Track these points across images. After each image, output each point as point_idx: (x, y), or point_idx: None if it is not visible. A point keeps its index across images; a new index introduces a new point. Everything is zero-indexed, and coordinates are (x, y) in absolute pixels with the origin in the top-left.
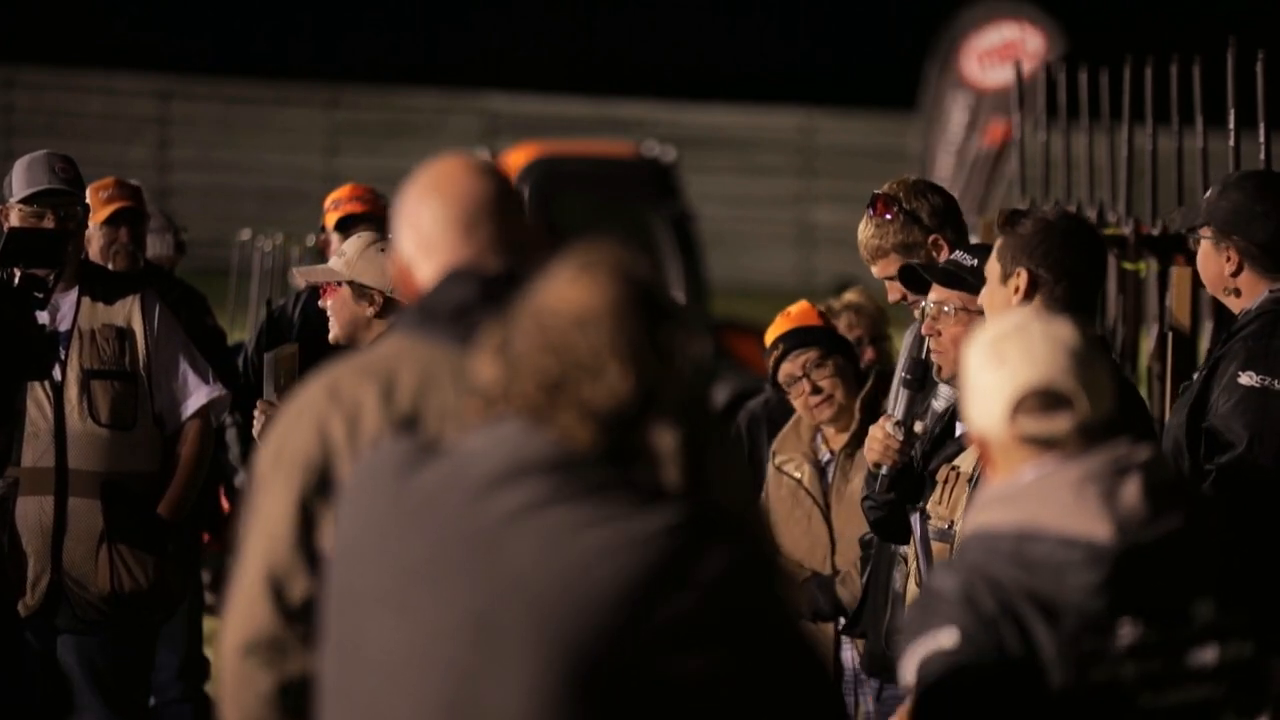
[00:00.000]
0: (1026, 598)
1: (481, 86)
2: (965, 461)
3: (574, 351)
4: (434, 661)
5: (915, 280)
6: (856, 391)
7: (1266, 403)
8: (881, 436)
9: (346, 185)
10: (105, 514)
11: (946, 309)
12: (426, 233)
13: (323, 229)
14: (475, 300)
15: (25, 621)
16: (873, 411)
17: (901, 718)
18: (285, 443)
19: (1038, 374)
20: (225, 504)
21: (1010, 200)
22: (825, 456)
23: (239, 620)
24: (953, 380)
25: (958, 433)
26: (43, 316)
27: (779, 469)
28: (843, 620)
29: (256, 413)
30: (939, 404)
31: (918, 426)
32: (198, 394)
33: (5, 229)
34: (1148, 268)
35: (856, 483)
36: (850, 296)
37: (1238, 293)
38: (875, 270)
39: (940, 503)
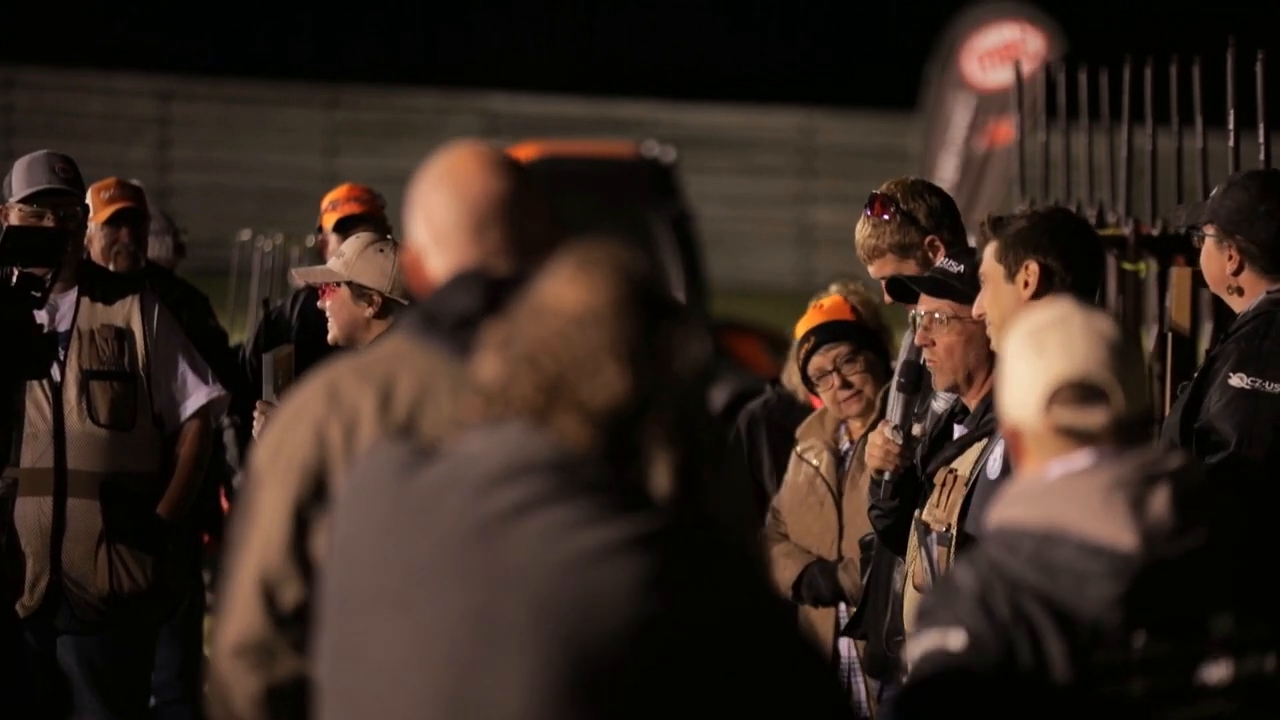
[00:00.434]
0: (1043, 604)
1: (481, 86)
2: (963, 464)
3: (572, 351)
4: (435, 660)
5: (903, 290)
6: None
7: (1257, 404)
8: (881, 443)
9: (344, 185)
10: (104, 514)
11: (938, 318)
12: (438, 225)
13: (320, 229)
14: (478, 311)
15: (25, 622)
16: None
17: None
18: (283, 443)
19: (1075, 365)
20: (225, 504)
21: (1010, 200)
22: (845, 446)
23: (230, 623)
24: (951, 388)
25: (955, 434)
26: (41, 316)
27: (800, 456)
28: (843, 606)
29: (256, 413)
30: (939, 405)
31: (916, 429)
32: (197, 394)
33: (4, 227)
34: (1148, 268)
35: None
36: (836, 289)
37: (1240, 292)
38: (872, 270)
39: (938, 506)
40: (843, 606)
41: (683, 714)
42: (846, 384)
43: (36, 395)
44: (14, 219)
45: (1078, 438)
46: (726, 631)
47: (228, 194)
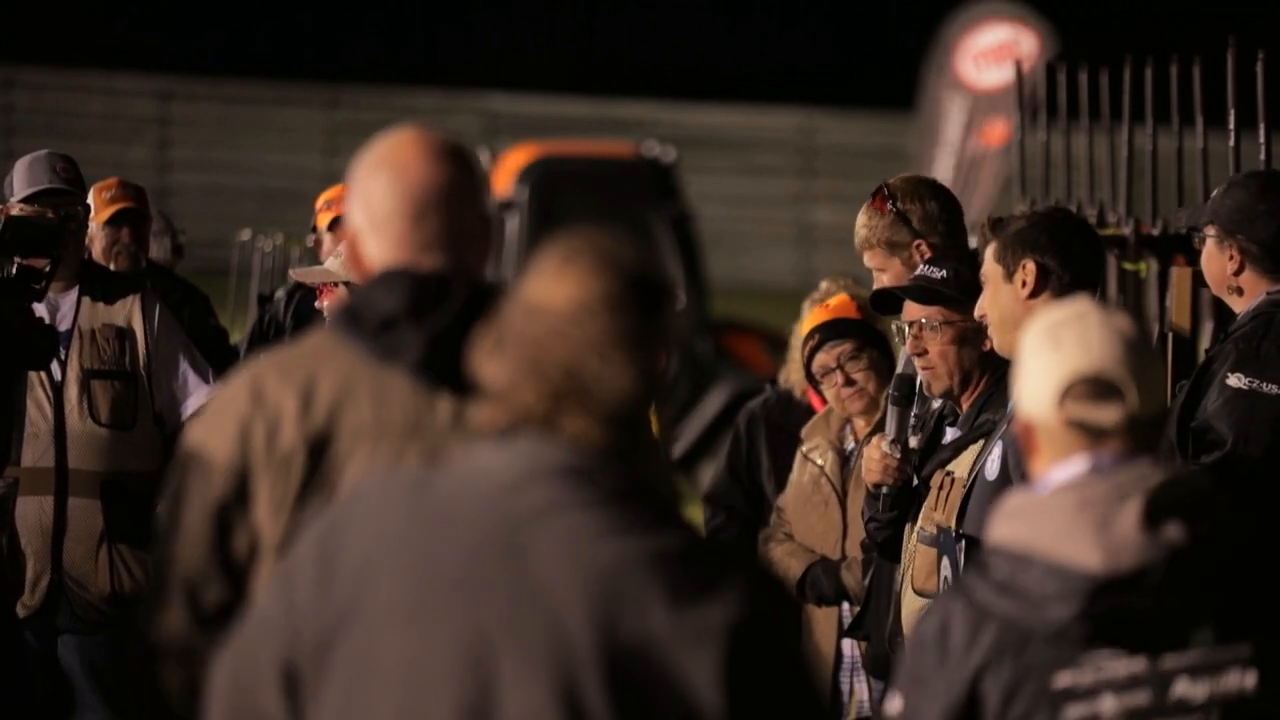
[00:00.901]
0: (1004, 631)
1: (481, 86)
2: (959, 466)
3: (573, 351)
4: (457, 670)
5: (888, 302)
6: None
7: (1254, 405)
8: (879, 457)
9: (338, 185)
10: (105, 514)
11: (928, 324)
12: (377, 211)
13: (314, 229)
14: (401, 313)
15: (26, 621)
16: None
17: None
18: (207, 440)
19: (1091, 361)
20: None
21: (1009, 200)
22: (851, 445)
23: (152, 622)
24: (946, 394)
25: (947, 438)
26: (41, 311)
27: (805, 456)
28: (846, 605)
29: None
30: (938, 404)
31: (913, 441)
32: (198, 394)
33: (3, 218)
34: (1148, 268)
35: None
36: (826, 285)
37: (1240, 292)
38: (865, 259)
39: (935, 509)
40: (846, 606)
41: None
42: (850, 381)
43: (38, 395)
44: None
45: (1090, 434)
46: (744, 641)
47: (228, 194)
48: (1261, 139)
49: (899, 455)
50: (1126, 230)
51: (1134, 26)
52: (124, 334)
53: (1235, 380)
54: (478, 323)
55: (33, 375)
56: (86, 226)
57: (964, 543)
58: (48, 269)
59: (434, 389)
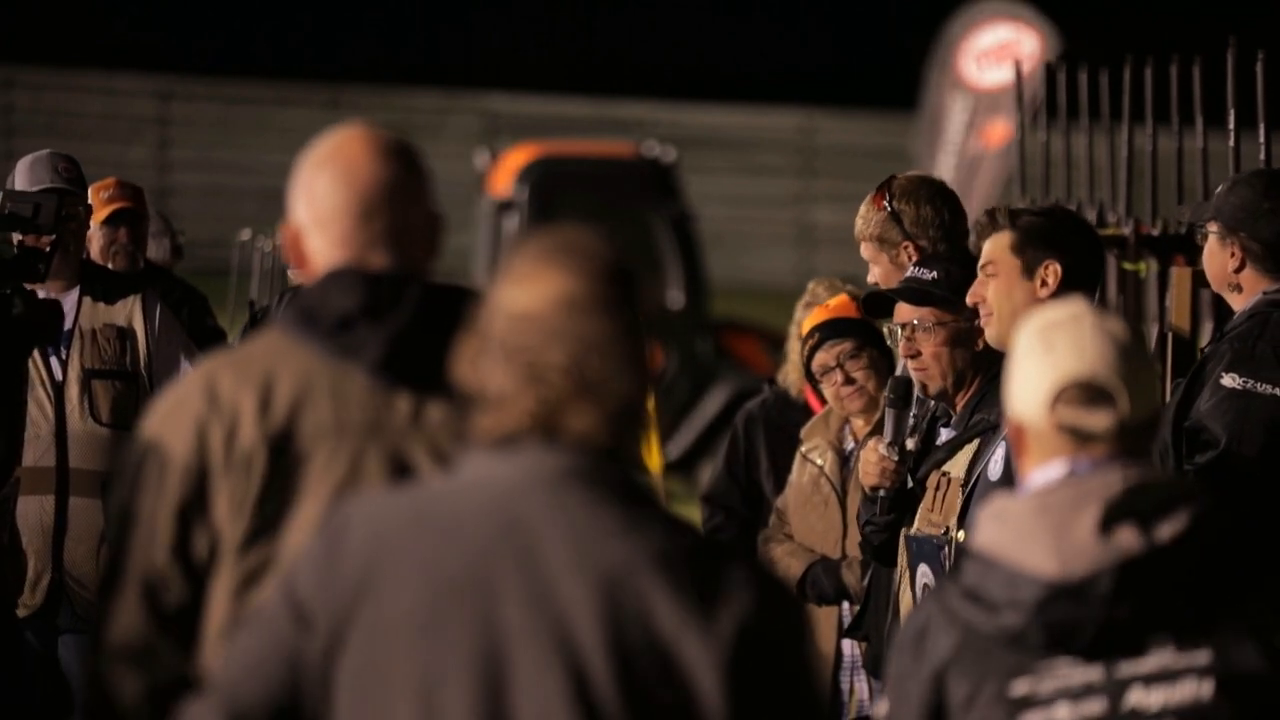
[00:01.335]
0: (969, 639)
1: (481, 86)
2: (955, 466)
3: (572, 352)
4: (469, 677)
5: (881, 304)
6: None
7: (1248, 405)
8: (876, 460)
9: None
10: (106, 513)
11: (921, 326)
12: (321, 208)
13: None
14: (359, 312)
15: (26, 621)
16: None
17: None
18: (161, 440)
19: (1084, 365)
20: None
21: (1010, 200)
22: (850, 445)
23: (111, 623)
24: (941, 395)
25: (941, 438)
26: (43, 292)
27: (804, 456)
28: (846, 605)
29: None
30: (932, 404)
31: (910, 444)
32: None
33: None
34: (1148, 268)
35: None
36: (813, 285)
37: (1239, 289)
38: (860, 249)
39: (932, 510)
40: (845, 605)
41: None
42: (849, 380)
43: (39, 394)
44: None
45: (1080, 438)
46: (749, 640)
47: (228, 194)
48: (1261, 139)
49: (896, 457)
50: (1126, 230)
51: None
52: (125, 334)
53: (1230, 380)
54: (433, 321)
55: (34, 375)
56: (88, 226)
57: (954, 548)
58: (50, 249)
59: (392, 388)
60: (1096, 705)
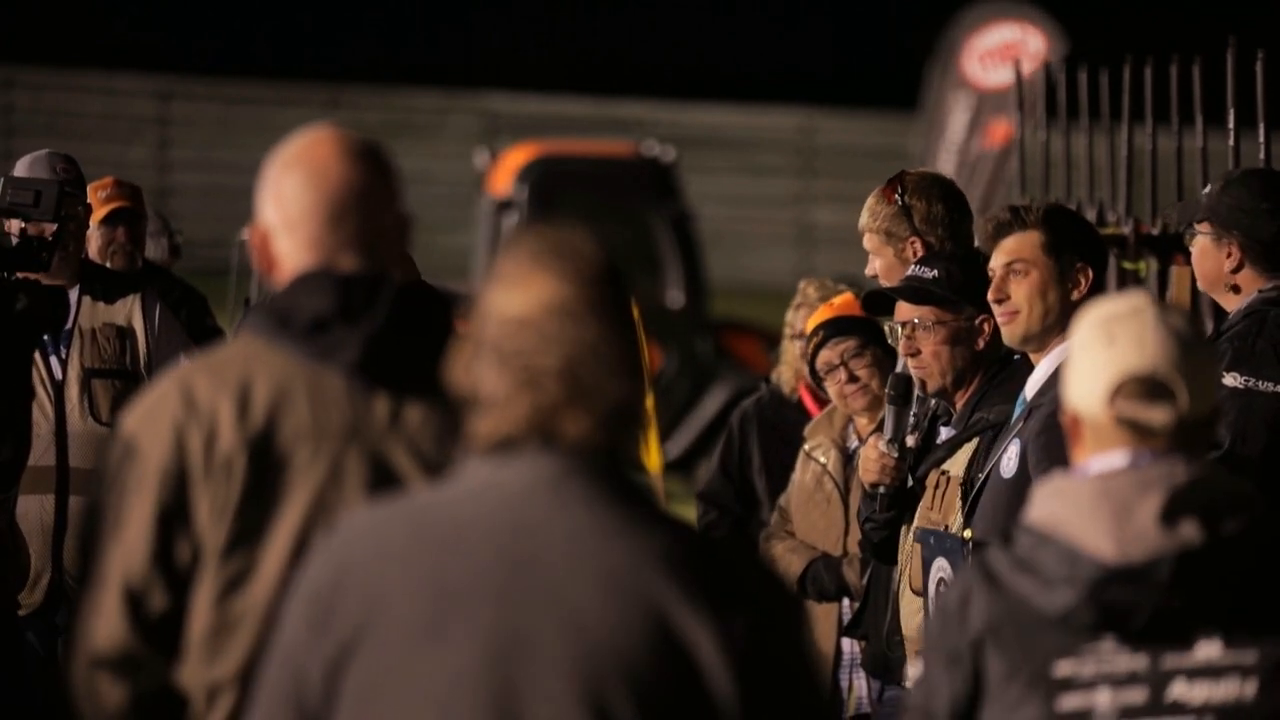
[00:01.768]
0: (1014, 610)
1: (481, 86)
2: (954, 465)
3: (567, 355)
4: (480, 684)
5: (881, 303)
6: None
7: (1251, 403)
8: (876, 457)
9: None
10: None
11: (921, 324)
12: (290, 210)
13: None
14: (333, 314)
15: (26, 620)
16: None
17: None
18: (139, 445)
19: (1144, 360)
20: None
21: (1010, 199)
22: (853, 444)
23: (91, 631)
24: (940, 393)
25: (941, 437)
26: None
27: (808, 454)
28: (845, 602)
29: None
30: (933, 403)
31: (910, 441)
32: None
33: (2, 178)
34: (1148, 267)
35: None
36: (803, 285)
37: (1236, 289)
38: (863, 241)
39: (931, 508)
40: (845, 602)
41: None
42: (853, 378)
43: (39, 394)
44: (13, 223)
45: (1138, 432)
46: (754, 638)
47: (228, 194)
48: (1261, 139)
49: (896, 455)
50: (1126, 230)
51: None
52: (124, 333)
53: (1231, 379)
54: (407, 323)
55: (34, 375)
56: (87, 226)
57: (971, 546)
58: (53, 238)
59: (370, 390)
60: (1138, 694)
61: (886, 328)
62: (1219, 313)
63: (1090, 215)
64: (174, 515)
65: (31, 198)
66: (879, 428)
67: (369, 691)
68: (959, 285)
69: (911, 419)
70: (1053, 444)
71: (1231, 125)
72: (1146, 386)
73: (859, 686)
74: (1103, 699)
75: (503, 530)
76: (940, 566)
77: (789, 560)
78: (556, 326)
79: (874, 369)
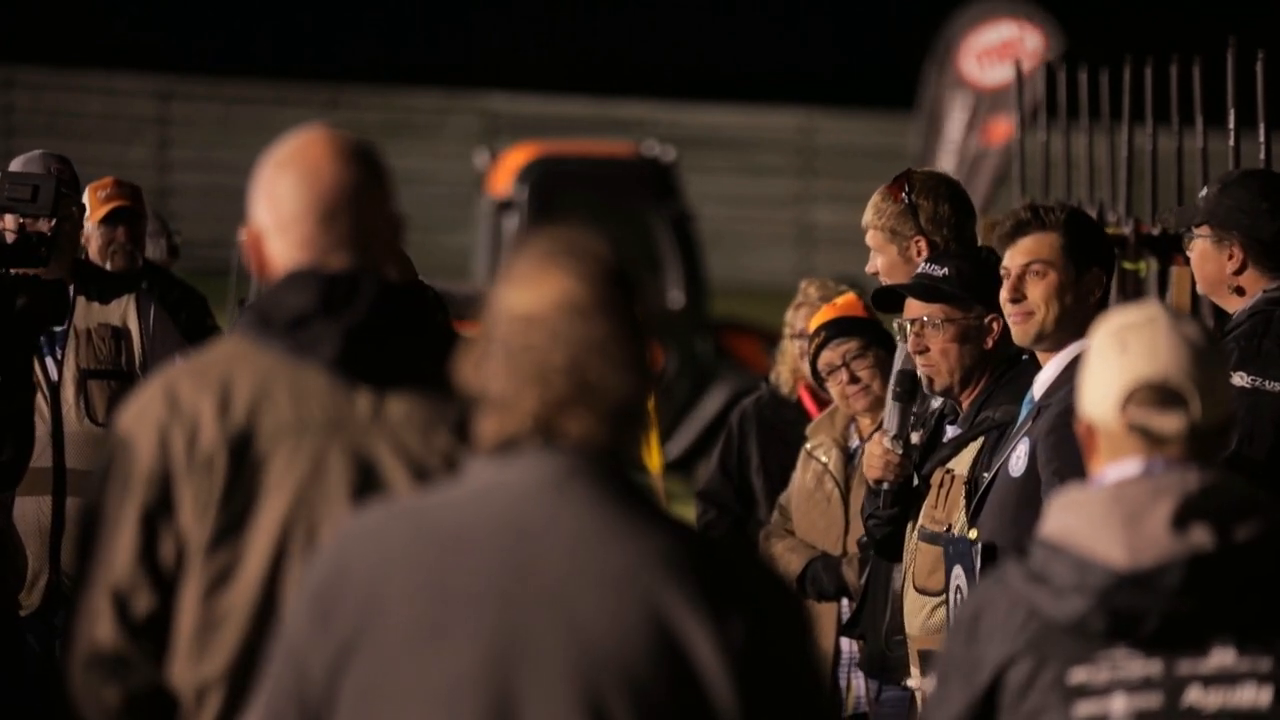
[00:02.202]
0: (1030, 623)
1: (481, 86)
2: (959, 464)
3: (574, 353)
4: (479, 685)
5: (890, 300)
6: None
7: (1258, 403)
8: (880, 453)
9: None
10: None
11: (930, 322)
12: (283, 210)
13: None
14: (314, 310)
15: (24, 621)
16: None
17: None
18: (126, 448)
19: (1157, 368)
20: None
21: (1009, 200)
22: (855, 443)
23: (83, 634)
24: (946, 391)
25: (947, 436)
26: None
27: (809, 453)
28: (845, 601)
29: None
30: (938, 402)
31: (914, 438)
32: None
33: None
34: (1148, 268)
35: None
36: (804, 284)
37: (1240, 291)
38: (866, 238)
39: (935, 506)
40: (845, 601)
41: None
42: (855, 379)
43: (35, 395)
44: (9, 219)
45: (1151, 440)
46: (756, 637)
47: (228, 194)
48: (1261, 139)
49: (900, 451)
50: (1126, 230)
51: (1134, 26)
52: (120, 334)
53: (1238, 379)
54: (391, 318)
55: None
56: (81, 227)
57: (980, 548)
58: (51, 233)
59: (352, 385)
60: (1153, 700)
61: (895, 325)
62: (1220, 315)
63: (1090, 215)
64: (158, 515)
65: (29, 193)
66: (881, 424)
67: (369, 692)
68: (969, 283)
69: (914, 415)
70: (1062, 443)
71: (1232, 125)
72: (1159, 394)
73: (857, 686)
74: (1118, 705)
75: (505, 532)
76: (957, 575)
77: (788, 559)
78: (566, 324)
79: (876, 370)
